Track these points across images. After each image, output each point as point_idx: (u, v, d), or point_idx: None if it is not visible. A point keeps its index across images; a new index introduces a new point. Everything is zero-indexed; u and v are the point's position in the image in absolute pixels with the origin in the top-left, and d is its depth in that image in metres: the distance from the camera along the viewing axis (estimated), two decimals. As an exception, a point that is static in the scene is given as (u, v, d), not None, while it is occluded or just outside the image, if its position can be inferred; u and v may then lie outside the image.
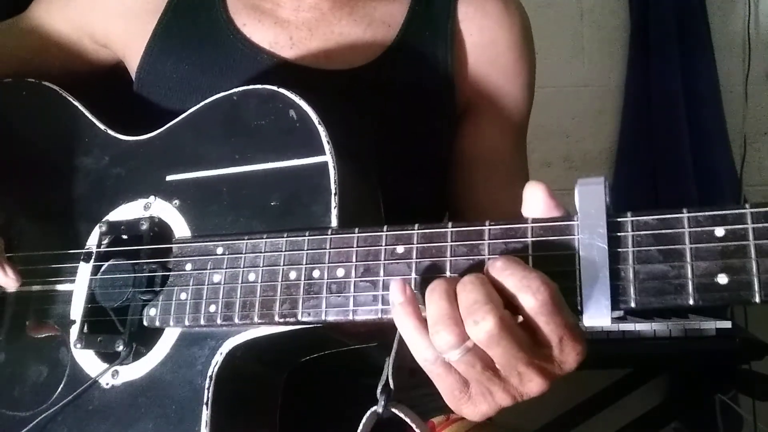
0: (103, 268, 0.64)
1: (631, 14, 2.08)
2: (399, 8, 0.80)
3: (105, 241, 0.66)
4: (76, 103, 0.75)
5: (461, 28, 0.79)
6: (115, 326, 0.63)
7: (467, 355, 0.44)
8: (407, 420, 0.57)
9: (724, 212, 0.44)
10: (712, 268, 0.44)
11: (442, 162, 0.80)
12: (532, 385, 0.45)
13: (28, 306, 0.68)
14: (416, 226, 0.53)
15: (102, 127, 0.72)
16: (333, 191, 0.58)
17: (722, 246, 0.44)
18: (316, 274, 0.55)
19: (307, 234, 0.56)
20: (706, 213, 0.45)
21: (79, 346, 0.63)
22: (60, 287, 0.67)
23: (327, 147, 0.59)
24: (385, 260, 0.53)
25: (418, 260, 0.52)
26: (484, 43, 0.79)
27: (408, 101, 0.76)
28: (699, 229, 0.44)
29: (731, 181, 1.98)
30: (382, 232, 0.54)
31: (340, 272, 0.54)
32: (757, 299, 0.42)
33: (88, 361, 0.63)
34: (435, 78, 0.77)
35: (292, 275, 0.56)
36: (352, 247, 0.54)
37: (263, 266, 0.57)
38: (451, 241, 0.51)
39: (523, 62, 0.82)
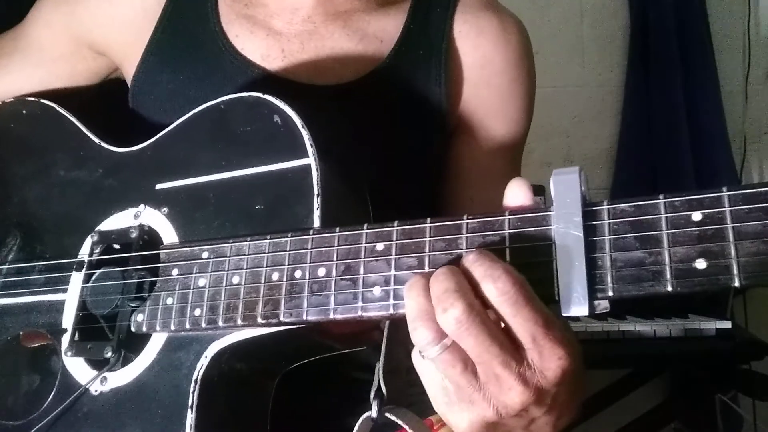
0: (93, 277, 0.65)
1: (631, 14, 2.08)
2: (393, 24, 0.78)
3: (97, 251, 0.67)
4: (72, 119, 0.76)
5: (456, 46, 0.77)
6: (105, 333, 0.63)
7: (445, 354, 0.43)
8: (403, 424, 0.56)
9: (700, 196, 0.43)
10: (689, 253, 0.43)
11: (430, 177, 0.78)
12: (513, 394, 0.43)
13: (22, 316, 0.69)
14: (396, 223, 0.53)
15: (96, 140, 0.73)
16: (316, 192, 0.58)
17: (699, 230, 0.43)
18: (298, 274, 0.55)
19: (289, 235, 0.56)
20: (683, 197, 0.44)
21: (69, 353, 0.63)
22: (53, 297, 0.68)
23: (310, 150, 0.60)
24: (365, 258, 0.53)
25: (397, 257, 0.51)
26: (478, 63, 0.77)
27: (397, 118, 0.75)
28: (676, 214, 0.44)
29: (731, 181, 1.96)
30: (363, 230, 0.54)
31: (321, 272, 0.54)
32: (737, 283, 0.41)
33: (78, 368, 0.63)
34: (426, 97, 0.75)
35: (275, 276, 0.56)
36: (333, 246, 0.54)
37: (247, 268, 0.57)
38: (430, 237, 0.51)
39: (520, 83, 0.79)
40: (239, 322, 0.56)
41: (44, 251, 0.71)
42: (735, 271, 0.41)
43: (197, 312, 0.58)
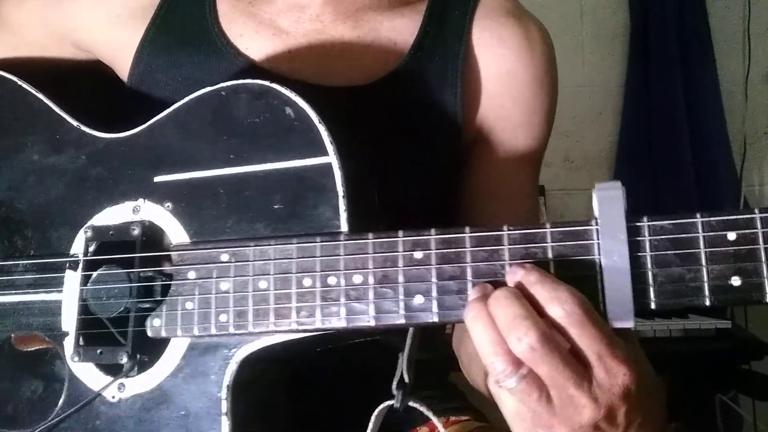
0: (93, 277, 0.62)
1: (631, 14, 2.07)
2: (408, 25, 0.74)
3: (91, 248, 0.63)
4: (39, 95, 0.70)
5: (475, 54, 0.73)
6: (114, 337, 0.61)
7: (523, 383, 0.45)
8: (423, 410, 0.58)
9: (735, 217, 0.47)
10: (726, 270, 0.47)
11: (440, 187, 0.76)
12: (587, 412, 0.45)
13: (10, 318, 0.65)
14: (432, 231, 0.53)
15: (74, 122, 0.67)
16: (341, 194, 0.57)
17: (735, 249, 0.47)
18: (332, 281, 0.55)
19: (318, 240, 0.56)
20: (719, 218, 0.47)
21: (76, 359, 0.61)
22: (46, 297, 0.64)
23: (330, 147, 0.58)
24: (403, 266, 0.53)
25: (438, 266, 0.52)
26: (499, 74, 0.73)
27: (409, 125, 0.72)
28: (712, 233, 0.47)
29: (731, 181, 1.99)
30: (399, 237, 0.54)
31: (358, 279, 0.54)
32: (768, 300, 0.46)
33: (88, 374, 0.61)
34: (440, 106, 0.72)
35: (307, 282, 0.55)
36: (368, 254, 0.54)
37: (274, 274, 0.56)
38: (471, 247, 0.52)
39: (544, 96, 0.75)
40: (272, 328, 0.56)
41: (27, 246, 0.66)
42: (767, 289, 0.46)
43: (223, 318, 0.57)
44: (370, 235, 0.55)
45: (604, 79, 2.12)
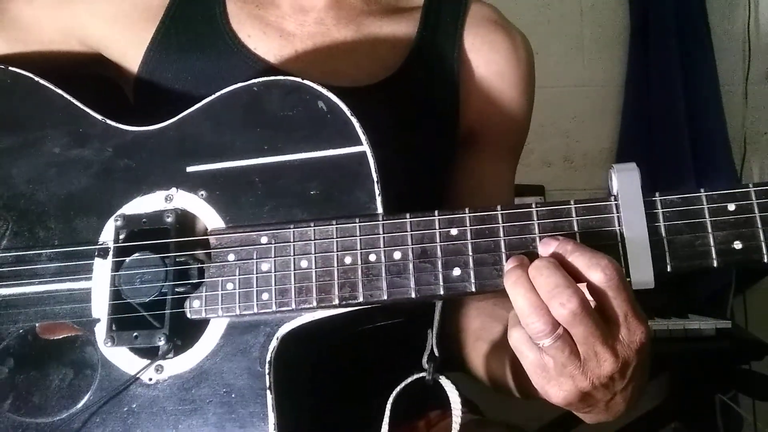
0: (126, 263, 0.63)
1: (631, 14, 2.09)
2: (405, 30, 0.80)
3: (122, 236, 0.64)
4: (59, 91, 0.71)
5: (468, 58, 0.80)
6: (147, 321, 0.62)
7: (558, 341, 0.50)
8: (448, 390, 0.62)
9: (733, 191, 0.55)
10: (728, 236, 0.54)
11: (440, 183, 0.81)
12: (607, 365, 0.50)
13: (33, 307, 0.64)
14: (467, 210, 0.58)
15: (98, 116, 0.69)
16: (375, 179, 0.61)
17: (735, 218, 0.54)
18: (372, 258, 0.59)
19: (357, 220, 0.60)
20: (720, 192, 0.55)
21: (109, 344, 0.61)
22: (73, 285, 0.64)
23: (363, 137, 0.63)
24: (441, 242, 0.58)
25: (473, 241, 0.57)
26: (491, 77, 0.80)
27: (410, 124, 0.77)
28: (715, 205, 0.55)
29: (731, 181, 1.98)
30: (434, 216, 0.59)
31: (397, 255, 0.58)
32: (766, 260, 0.53)
33: (123, 359, 0.61)
34: (440, 105, 0.78)
35: (348, 260, 0.59)
36: (406, 232, 0.59)
37: (315, 253, 0.60)
38: (503, 223, 0.57)
39: (527, 98, 0.83)
40: (314, 304, 0.59)
41: (50, 237, 0.66)
42: (764, 251, 0.53)
43: (265, 296, 0.60)
44: (407, 215, 0.59)
45: (604, 79, 2.11)
